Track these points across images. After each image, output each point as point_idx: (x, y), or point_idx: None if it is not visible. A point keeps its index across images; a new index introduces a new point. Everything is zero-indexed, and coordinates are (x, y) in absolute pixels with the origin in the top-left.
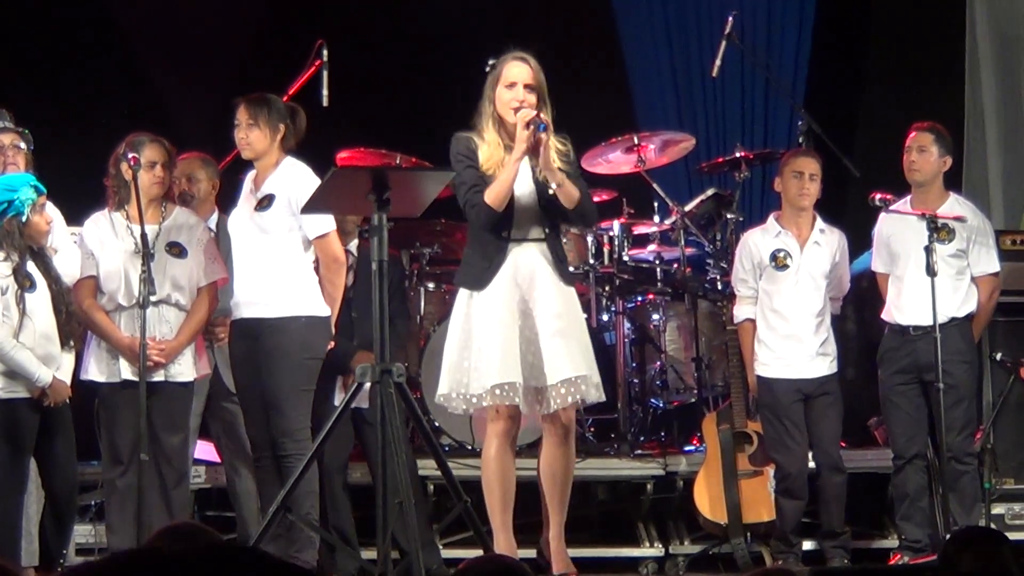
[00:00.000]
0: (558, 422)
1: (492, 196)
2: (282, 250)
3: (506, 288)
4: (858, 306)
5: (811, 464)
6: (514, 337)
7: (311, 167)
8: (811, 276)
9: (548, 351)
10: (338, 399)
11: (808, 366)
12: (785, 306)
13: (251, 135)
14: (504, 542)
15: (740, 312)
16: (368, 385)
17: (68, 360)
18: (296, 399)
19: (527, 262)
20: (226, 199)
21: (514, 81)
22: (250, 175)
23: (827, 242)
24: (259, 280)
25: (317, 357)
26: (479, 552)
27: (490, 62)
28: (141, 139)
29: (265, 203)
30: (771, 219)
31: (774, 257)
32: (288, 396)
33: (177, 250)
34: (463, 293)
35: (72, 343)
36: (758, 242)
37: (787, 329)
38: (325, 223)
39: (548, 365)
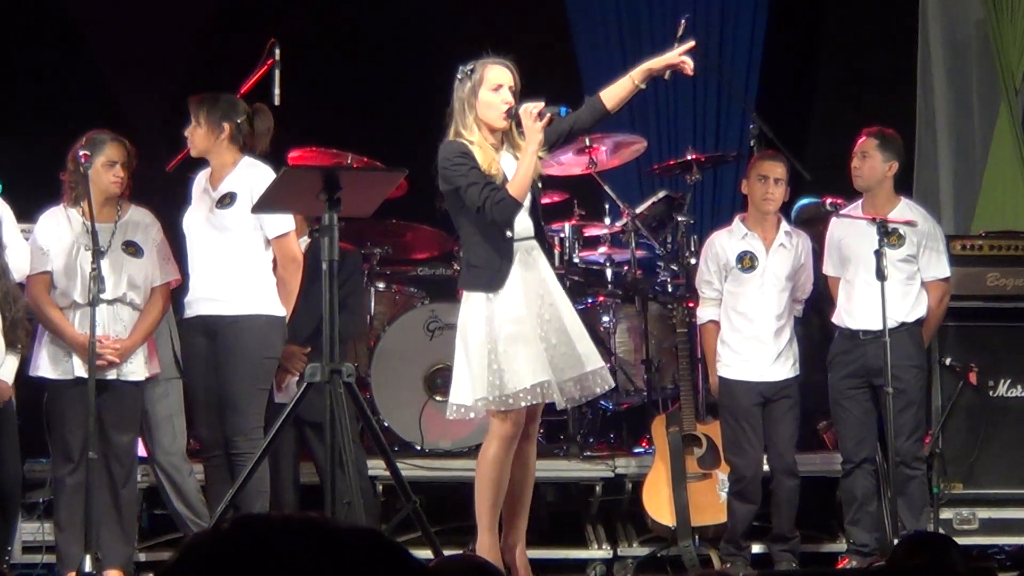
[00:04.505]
0: (533, 420)
1: (516, 190)
2: (243, 248)
3: (520, 286)
4: (807, 309)
5: (765, 467)
6: (537, 335)
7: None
8: (776, 278)
9: (579, 339)
10: (276, 396)
11: (769, 369)
12: (750, 308)
13: (194, 134)
14: (488, 542)
15: (704, 314)
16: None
17: (12, 361)
18: (253, 398)
19: (529, 259)
20: (178, 198)
21: (500, 84)
22: (203, 173)
23: (792, 244)
24: (218, 277)
25: (274, 356)
26: (428, 553)
27: (467, 68)
28: (102, 137)
29: (227, 200)
30: (737, 221)
31: (740, 259)
32: (245, 395)
33: (133, 249)
34: (479, 297)
35: (19, 347)
36: (724, 244)
37: (751, 331)
38: (285, 223)
39: (583, 351)
